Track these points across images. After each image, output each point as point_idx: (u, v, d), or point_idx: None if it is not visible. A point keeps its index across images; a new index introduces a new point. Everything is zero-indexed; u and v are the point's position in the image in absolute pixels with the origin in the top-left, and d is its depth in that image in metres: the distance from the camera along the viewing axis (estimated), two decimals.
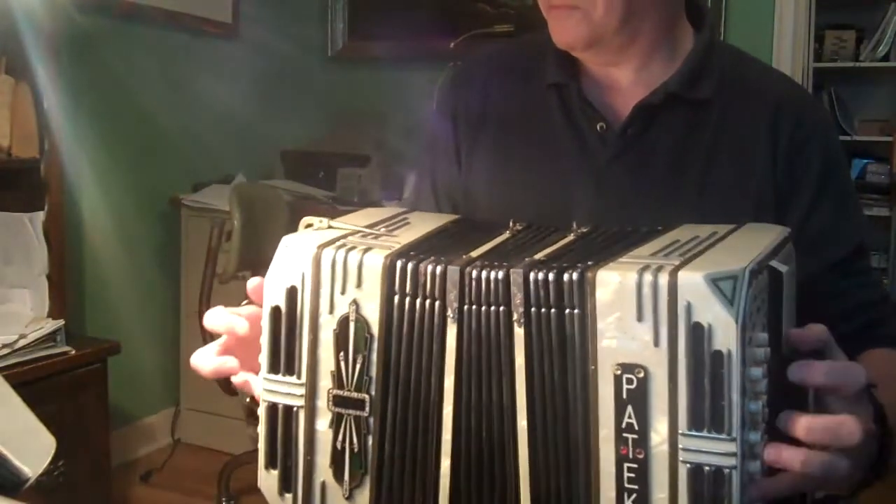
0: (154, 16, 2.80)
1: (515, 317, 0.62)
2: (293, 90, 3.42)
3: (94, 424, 2.21)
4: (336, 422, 0.66)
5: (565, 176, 0.94)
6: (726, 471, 0.56)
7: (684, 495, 0.57)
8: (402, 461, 0.66)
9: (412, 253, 0.66)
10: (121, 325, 2.58)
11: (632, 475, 0.59)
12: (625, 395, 0.59)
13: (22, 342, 2.04)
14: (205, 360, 0.76)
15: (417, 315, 0.65)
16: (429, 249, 0.67)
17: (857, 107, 3.98)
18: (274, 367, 0.67)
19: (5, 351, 1.99)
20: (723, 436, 0.56)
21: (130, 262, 2.69)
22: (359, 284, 0.64)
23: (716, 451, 0.57)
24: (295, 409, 0.67)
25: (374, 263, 0.64)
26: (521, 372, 0.62)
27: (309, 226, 0.71)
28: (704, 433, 0.57)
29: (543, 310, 0.62)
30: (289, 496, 0.68)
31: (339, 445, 0.66)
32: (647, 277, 0.58)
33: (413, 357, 0.65)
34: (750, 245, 0.63)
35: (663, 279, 0.58)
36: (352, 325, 0.64)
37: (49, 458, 0.87)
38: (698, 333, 0.57)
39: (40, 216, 2.20)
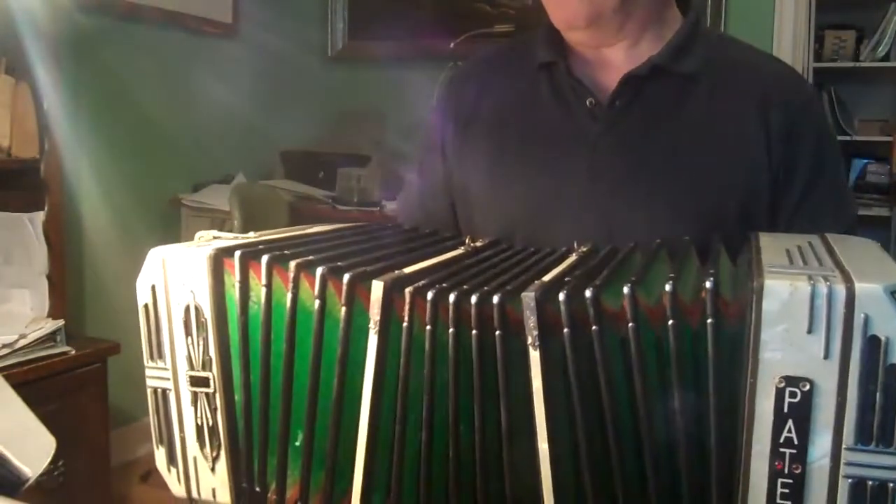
0: (154, 16, 2.80)
1: (530, 340, 0.61)
2: (293, 90, 3.42)
3: (94, 424, 2.21)
4: (194, 400, 0.73)
5: (558, 154, 0.95)
6: (891, 485, 0.56)
7: None
8: (255, 435, 0.71)
9: (260, 247, 0.71)
10: (121, 325, 2.56)
11: (786, 490, 0.58)
12: (786, 409, 0.57)
13: (22, 342, 2.04)
14: None
15: (279, 306, 0.69)
16: (279, 247, 0.72)
17: (857, 107, 3.98)
18: (150, 355, 0.75)
19: (5, 351, 1.99)
20: (891, 450, 0.56)
21: (130, 262, 2.67)
22: (193, 275, 0.71)
23: (882, 465, 0.56)
24: (167, 390, 0.74)
25: (202, 256, 0.71)
26: (539, 395, 0.61)
27: (201, 237, 0.81)
28: (871, 447, 0.56)
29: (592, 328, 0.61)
30: (174, 470, 0.75)
31: (199, 421, 0.73)
32: (822, 288, 0.56)
33: (264, 343, 0.70)
34: (875, 257, 0.64)
35: (840, 290, 0.55)
36: (192, 312, 0.71)
37: (49, 458, 0.87)
38: (874, 346, 0.55)
39: (40, 216, 2.20)
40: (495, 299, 0.62)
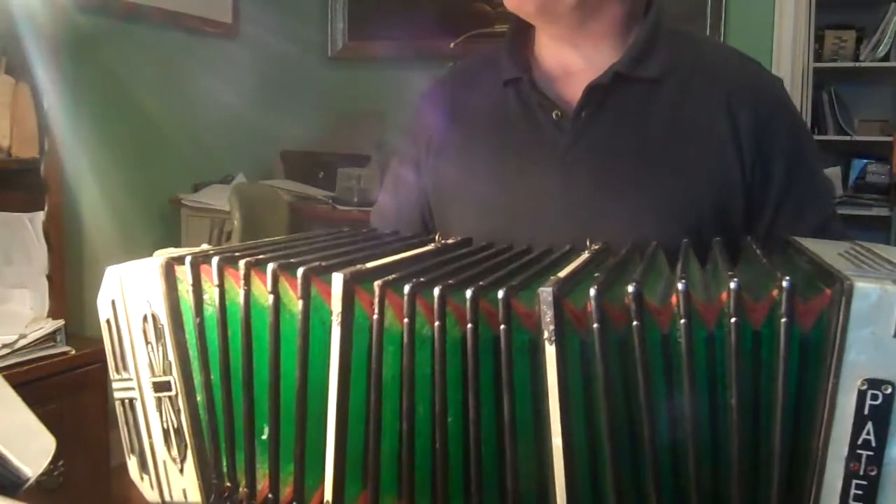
0: (154, 16, 2.80)
1: (546, 335, 0.60)
2: (293, 90, 3.42)
3: (94, 424, 2.21)
4: (158, 405, 0.75)
5: (530, 168, 0.96)
6: None
7: None
8: (220, 433, 0.72)
9: (210, 252, 0.73)
10: None
11: (859, 492, 0.58)
12: (867, 411, 0.57)
13: (22, 342, 2.04)
14: None
15: (233, 307, 0.70)
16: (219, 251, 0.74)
17: (857, 107, 3.98)
18: (115, 368, 0.78)
19: (5, 351, 1.99)
20: None
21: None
22: (148, 285, 0.73)
23: None
24: (134, 400, 0.76)
25: (154, 265, 0.73)
26: (554, 390, 0.60)
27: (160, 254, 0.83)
28: None
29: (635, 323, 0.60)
30: (147, 477, 0.77)
31: (164, 425, 0.75)
32: None
33: (222, 341, 0.71)
34: None
35: None
36: (150, 320, 0.73)
37: (49, 458, 0.87)
38: None
39: (40, 216, 2.20)
40: (500, 294, 0.61)
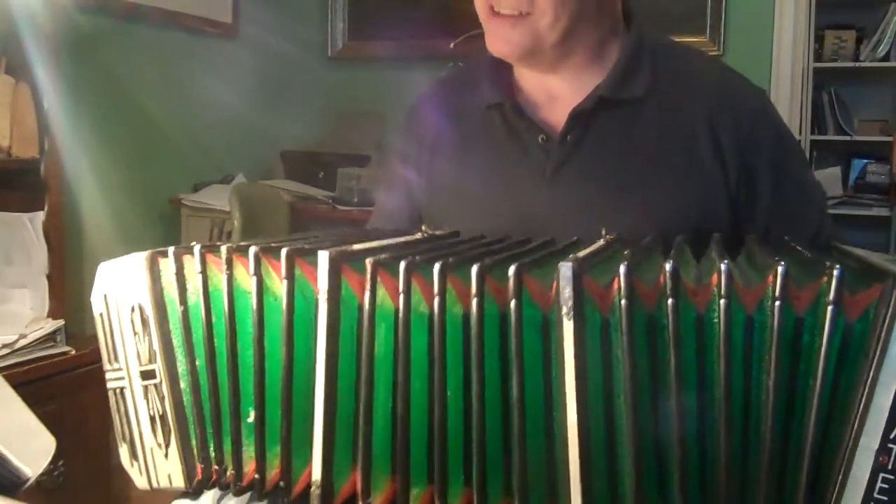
0: (154, 16, 2.80)
1: (565, 310, 0.59)
2: (293, 90, 3.42)
3: (94, 424, 2.21)
4: (145, 393, 0.78)
5: (518, 188, 0.96)
6: None
7: None
8: (207, 418, 0.74)
9: (192, 244, 0.75)
10: None
11: (885, 486, 0.58)
12: None
13: (22, 342, 2.04)
14: None
15: (223, 298, 0.72)
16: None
17: (857, 107, 3.98)
18: (108, 359, 0.80)
19: (5, 351, 1.99)
20: None
21: None
22: (134, 279, 0.76)
23: None
24: (124, 389, 0.80)
25: (140, 258, 0.76)
26: (571, 365, 0.60)
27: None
28: None
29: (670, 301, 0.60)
30: (137, 464, 0.80)
31: (151, 412, 0.78)
32: None
33: (206, 328, 0.73)
34: None
35: None
36: (137, 312, 0.76)
37: (49, 458, 0.87)
38: None
39: (40, 216, 2.20)
40: (512, 269, 0.61)
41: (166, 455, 0.77)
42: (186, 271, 0.74)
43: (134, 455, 0.80)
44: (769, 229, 0.92)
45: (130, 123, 2.73)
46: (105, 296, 0.79)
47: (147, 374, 0.77)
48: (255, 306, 0.69)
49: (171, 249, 0.74)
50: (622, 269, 0.59)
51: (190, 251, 0.73)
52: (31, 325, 2.13)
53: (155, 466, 0.78)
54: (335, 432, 0.67)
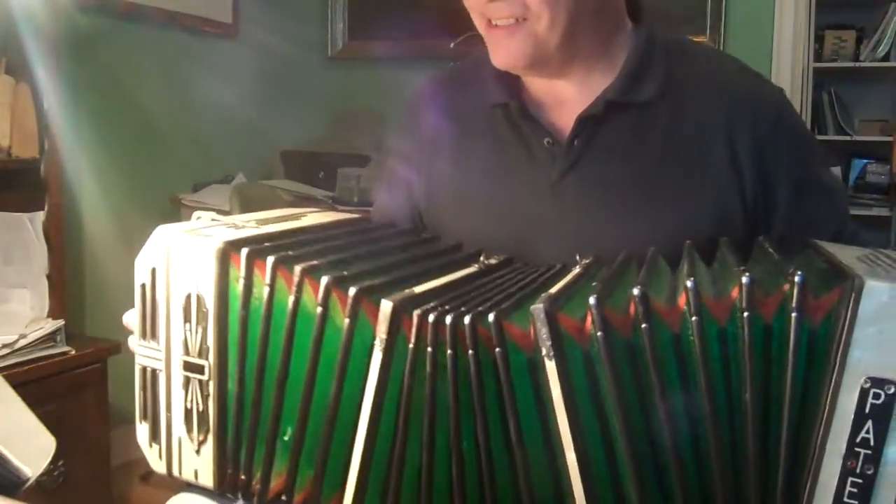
0: (154, 16, 2.80)
1: (544, 351, 0.60)
2: (293, 90, 3.42)
3: (94, 424, 2.21)
4: (186, 384, 0.74)
5: (522, 193, 0.93)
6: None
7: None
8: (245, 425, 0.72)
9: (266, 245, 0.72)
10: (121, 325, 2.57)
11: (854, 490, 0.58)
12: (867, 410, 0.57)
13: (22, 342, 2.04)
14: (130, 317, 0.80)
15: (287, 308, 0.70)
16: (286, 244, 0.73)
17: (857, 107, 3.98)
18: (143, 334, 0.76)
19: (5, 351, 1.99)
20: None
21: (130, 262, 2.67)
22: (198, 265, 0.72)
23: None
24: (158, 371, 0.76)
25: (210, 247, 0.71)
26: (560, 404, 0.61)
27: (199, 218, 0.81)
28: None
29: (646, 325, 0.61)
30: (156, 446, 0.77)
31: (188, 405, 0.74)
32: None
33: (262, 340, 0.71)
34: None
35: None
36: (193, 300, 0.72)
37: (49, 458, 0.87)
38: None
39: (40, 216, 2.20)
40: (490, 318, 0.62)
41: (198, 451, 0.74)
42: (255, 276, 0.71)
43: (155, 437, 0.77)
44: (787, 234, 0.89)
45: (130, 123, 2.73)
46: (154, 269, 0.75)
47: (193, 367, 0.73)
48: (315, 334, 0.67)
49: (244, 251, 0.70)
50: (592, 300, 0.60)
51: (262, 256, 0.70)
52: (31, 325, 2.13)
53: (181, 457, 0.76)
54: (369, 478, 0.67)
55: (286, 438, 0.71)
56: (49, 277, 2.21)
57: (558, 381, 0.60)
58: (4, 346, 2.00)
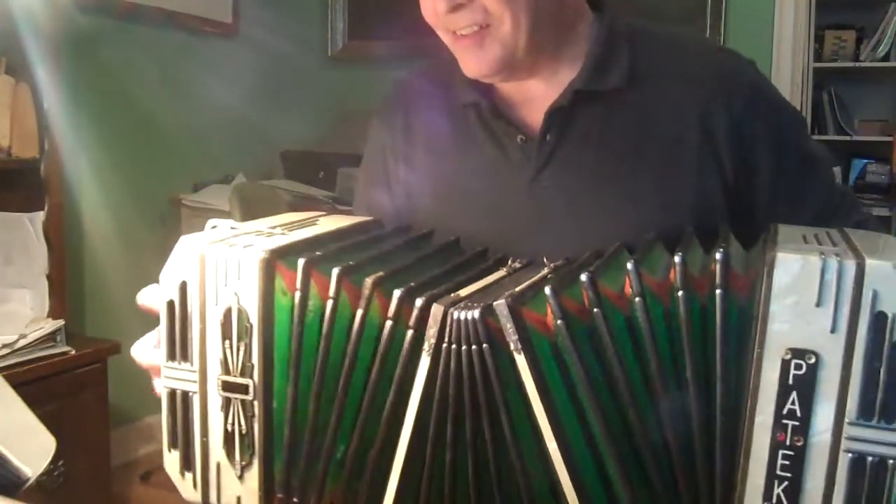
0: (154, 16, 2.80)
1: (512, 346, 0.61)
2: (293, 90, 3.42)
3: (94, 424, 2.21)
4: (225, 405, 0.69)
5: (499, 193, 0.93)
6: (891, 462, 0.56)
7: (842, 485, 0.57)
8: (300, 450, 0.69)
9: (318, 254, 0.69)
10: (121, 325, 2.56)
11: (786, 462, 0.58)
12: (791, 381, 0.58)
13: (22, 342, 2.04)
14: (142, 352, 0.77)
15: (322, 315, 0.67)
16: (318, 248, 0.70)
17: (857, 107, 3.98)
18: (171, 355, 0.71)
19: (5, 351, 1.99)
20: (893, 426, 0.56)
21: (130, 262, 2.69)
22: (239, 277, 0.67)
23: (883, 441, 0.56)
24: (190, 393, 0.71)
25: (253, 257, 0.67)
26: (535, 396, 0.61)
27: (214, 227, 0.77)
28: (873, 423, 0.56)
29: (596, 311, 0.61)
30: (189, 475, 0.72)
31: (229, 428, 0.69)
32: (832, 262, 0.57)
33: (323, 355, 0.67)
34: (888, 243, 0.64)
35: (850, 265, 0.56)
36: (234, 315, 0.68)
37: (49, 458, 0.87)
38: (881, 322, 0.56)
39: (40, 216, 2.20)
40: (476, 314, 0.62)
41: (241, 476, 0.70)
42: (311, 287, 0.67)
43: (188, 465, 0.72)
44: (774, 209, 0.89)
45: (130, 123, 2.73)
46: (184, 283, 0.69)
47: (234, 387, 0.68)
48: (383, 348, 0.66)
49: (300, 262, 0.66)
50: (547, 291, 0.61)
51: (321, 267, 0.66)
52: (31, 325, 2.13)
53: (220, 484, 0.71)
54: (408, 484, 0.67)
55: (338, 456, 0.69)
56: (49, 277, 2.21)
57: (529, 373, 0.61)
58: (4, 346, 2.00)
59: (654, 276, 0.62)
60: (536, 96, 0.92)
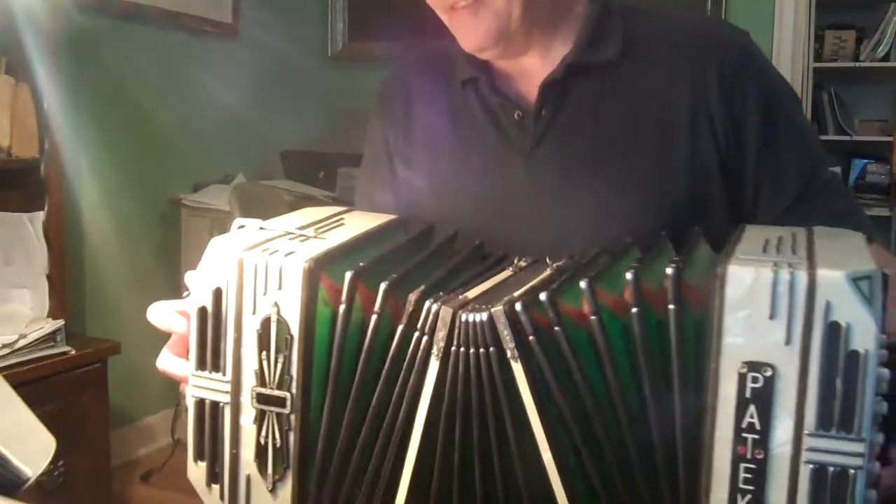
0: (154, 16, 2.80)
1: (509, 353, 0.61)
2: (293, 90, 3.43)
3: (94, 424, 2.21)
4: (259, 418, 0.67)
5: (496, 168, 0.94)
6: (851, 471, 0.56)
7: (804, 496, 0.56)
8: (333, 464, 0.68)
9: (341, 259, 0.68)
10: (121, 325, 2.57)
11: (748, 476, 0.58)
12: (748, 395, 0.58)
13: (22, 342, 2.04)
14: (167, 362, 0.76)
15: (363, 328, 0.66)
16: (358, 256, 0.69)
17: (857, 107, 3.98)
18: (201, 365, 0.69)
19: (5, 351, 1.99)
20: (851, 436, 0.56)
21: (130, 262, 2.69)
22: (280, 287, 0.65)
23: (843, 451, 0.56)
24: (221, 404, 0.69)
25: (295, 267, 0.65)
26: (531, 404, 0.62)
27: (241, 227, 0.73)
28: (832, 433, 0.56)
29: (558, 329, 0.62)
30: (216, 487, 0.70)
31: (262, 440, 0.68)
32: (784, 275, 0.57)
33: (358, 367, 0.66)
34: (851, 247, 0.64)
35: (801, 277, 0.56)
36: (273, 326, 0.66)
37: (49, 458, 0.87)
38: (835, 333, 0.56)
39: (40, 216, 2.20)
40: (476, 317, 0.62)
41: (273, 490, 0.68)
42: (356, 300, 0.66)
43: (215, 477, 0.70)
44: (758, 189, 0.89)
45: (130, 123, 2.73)
46: (219, 291, 0.67)
47: (270, 399, 0.67)
48: (420, 362, 0.64)
49: (347, 275, 0.65)
50: (518, 306, 0.61)
51: (367, 281, 0.65)
52: (31, 325, 2.13)
53: (249, 497, 0.69)
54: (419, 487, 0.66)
55: (365, 466, 0.68)
56: (49, 277, 2.21)
57: (525, 381, 0.61)
58: (4, 346, 2.00)
59: (612, 293, 0.62)
60: (532, 72, 0.93)
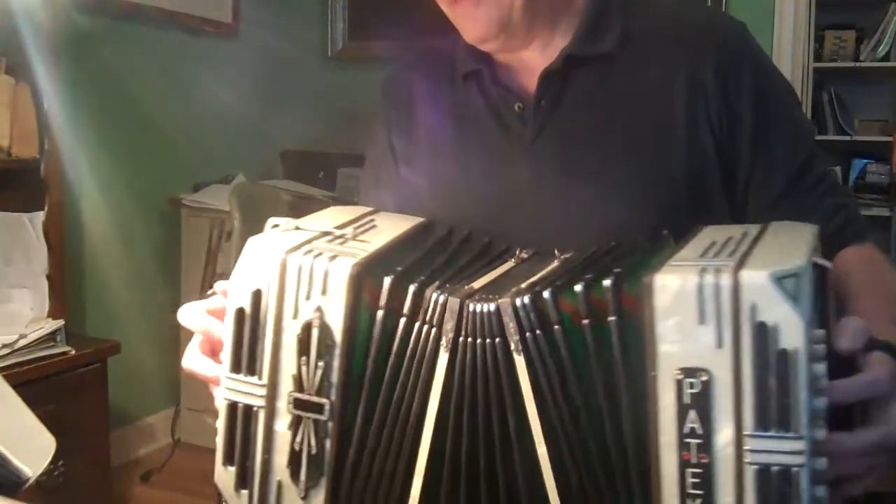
0: (154, 16, 2.80)
1: (513, 346, 0.62)
2: (293, 90, 3.43)
3: (94, 424, 2.21)
4: (295, 423, 0.66)
5: (497, 161, 0.94)
6: (794, 469, 0.56)
7: (751, 497, 0.57)
8: (362, 467, 0.67)
9: (383, 264, 0.67)
10: (121, 325, 2.58)
11: (696, 480, 0.58)
12: (687, 400, 0.58)
13: (22, 342, 2.04)
14: (195, 362, 0.75)
15: (399, 334, 0.66)
16: (398, 260, 0.68)
17: (857, 107, 3.98)
18: (236, 367, 0.67)
19: (5, 351, 1.99)
20: (790, 434, 0.56)
21: (130, 262, 2.69)
22: (324, 292, 0.64)
23: (783, 450, 0.56)
24: (255, 408, 0.67)
25: (341, 272, 0.64)
26: (530, 397, 0.62)
27: (276, 226, 0.72)
28: (771, 433, 0.56)
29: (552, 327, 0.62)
30: (245, 493, 0.68)
31: (297, 447, 0.66)
32: (709, 279, 0.57)
33: (393, 374, 0.66)
34: (791, 242, 0.64)
35: (725, 280, 0.57)
36: (315, 331, 0.65)
37: (49, 458, 0.87)
38: (763, 333, 0.56)
39: (40, 216, 2.20)
40: (483, 307, 0.63)
41: (305, 497, 0.67)
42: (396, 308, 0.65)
43: (244, 482, 0.68)
44: (752, 176, 0.90)
45: (130, 123, 2.73)
46: (260, 292, 0.66)
47: (308, 406, 0.65)
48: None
49: (386, 280, 0.64)
50: (518, 301, 0.62)
51: (403, 288, 0.65)
52: (31, 325, 2.13)
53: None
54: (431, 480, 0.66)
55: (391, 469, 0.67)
56: (49, 277, 2.21)
57: (527, 375, 0.62)
58: (4, 346, 2.00)
59: (572, 302, 0.62)
60: (533, 65, 0.94)
